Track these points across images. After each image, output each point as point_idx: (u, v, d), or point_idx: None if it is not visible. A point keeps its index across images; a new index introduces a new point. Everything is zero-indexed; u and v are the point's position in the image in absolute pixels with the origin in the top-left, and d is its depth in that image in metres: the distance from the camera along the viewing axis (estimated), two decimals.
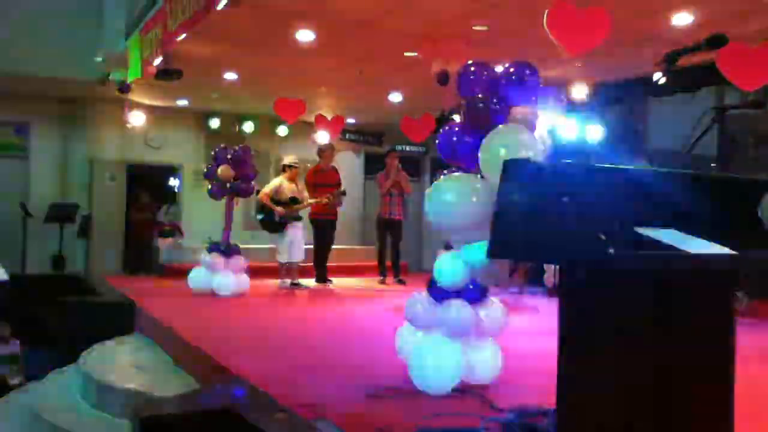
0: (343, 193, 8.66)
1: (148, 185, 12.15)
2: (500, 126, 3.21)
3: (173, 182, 13.07)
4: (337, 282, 9.10)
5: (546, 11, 5.27)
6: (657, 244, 1.52)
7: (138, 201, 11.50)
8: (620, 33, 6.60)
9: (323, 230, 8.79)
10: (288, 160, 8.56)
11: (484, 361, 3.47)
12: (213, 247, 7.55)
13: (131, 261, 11.13)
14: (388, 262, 9.42)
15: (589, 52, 5.53)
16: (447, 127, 3.57)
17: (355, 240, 13.03)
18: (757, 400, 3.18)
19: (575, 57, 5.49)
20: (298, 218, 8.35)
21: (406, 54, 7.74)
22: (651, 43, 6.75)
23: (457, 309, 3.32)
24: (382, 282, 9.26)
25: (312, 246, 8.82)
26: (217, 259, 7.39)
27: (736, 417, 1.85)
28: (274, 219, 8.14)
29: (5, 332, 7.61)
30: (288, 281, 8.39)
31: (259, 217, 8.23)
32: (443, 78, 7.30)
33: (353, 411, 3.09)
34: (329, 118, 10.84)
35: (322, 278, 8.89)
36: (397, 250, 9.37)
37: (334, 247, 9.23)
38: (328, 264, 8.98)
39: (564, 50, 5.35)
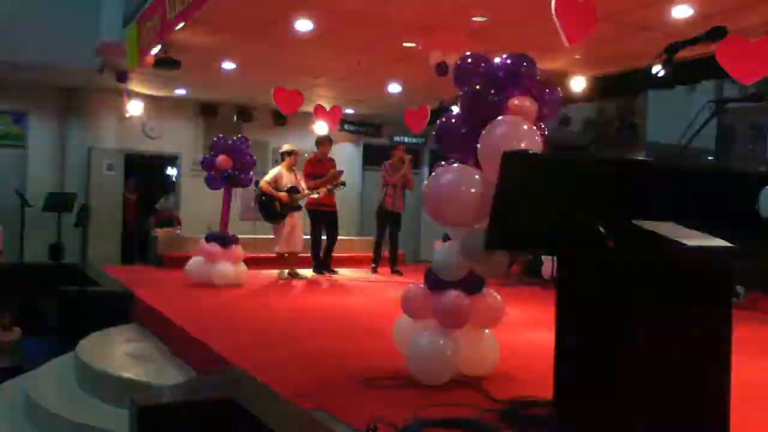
0: (343, 184, 8.64)
1: (139, 173, 12.23)
2: (499, 117, 3.20)
3: (171, 172, 13.05)
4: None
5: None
6: (655, 236, 1.52)
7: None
8: (620, 25, 6.60)
9: (321, 221, 8.78)
10: (286, 147, 8.54)
11: (481, 352, 3.48)
12: (211, 237, 7.53)
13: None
14: (385, 253, 9.42)
15: (586, 40, 5.52)
16: (445, 119, 3.55)
17: (353, 231, 13.02)
18: (753, 390, 3.19)
19: (575, 46, 5.46)
20: (298, 207, 8.34)
21: (405, 45, 7.72)
22: (650, 35, 6.74)
23: (455, 300, 3.33)
24: (374, 270, 9.25)
25: (309, 237, 8.81)
26: (216, 249, 7.38)
27: (732, 408, 1.86)
28: (275, 208, 8.13)
29: (5, 321, 7.61)
30: (286, 271, 8.39)
31: (259, 206, 8.22)
32: (442, 69, 7.28)
33: (350, 401, 3.10)
34: (328, 108, 10.82)
35: (321, 268, 8.88)
36: (396, 241, 9.38)
37: None
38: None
39: (566, 39, 5.33)
